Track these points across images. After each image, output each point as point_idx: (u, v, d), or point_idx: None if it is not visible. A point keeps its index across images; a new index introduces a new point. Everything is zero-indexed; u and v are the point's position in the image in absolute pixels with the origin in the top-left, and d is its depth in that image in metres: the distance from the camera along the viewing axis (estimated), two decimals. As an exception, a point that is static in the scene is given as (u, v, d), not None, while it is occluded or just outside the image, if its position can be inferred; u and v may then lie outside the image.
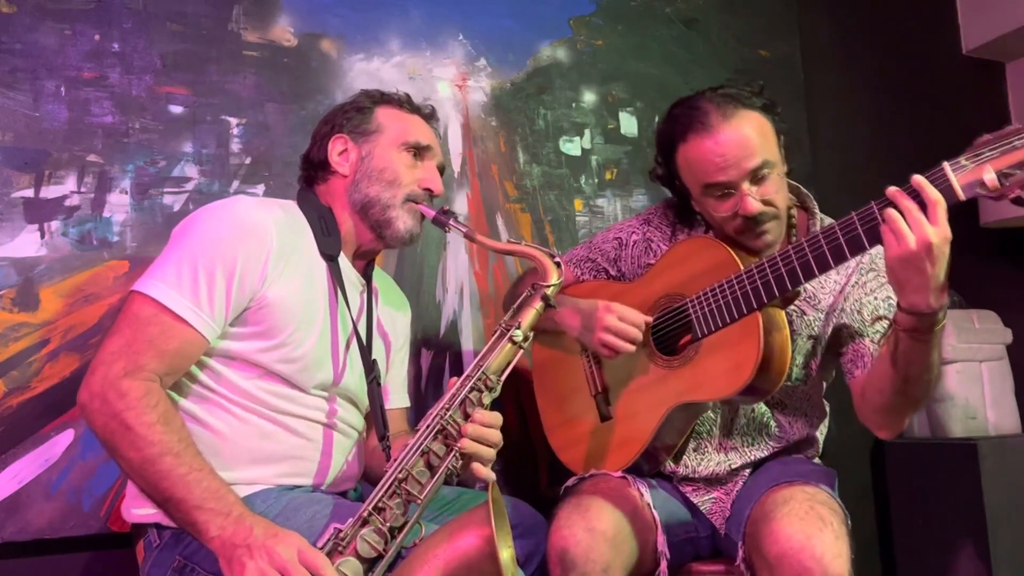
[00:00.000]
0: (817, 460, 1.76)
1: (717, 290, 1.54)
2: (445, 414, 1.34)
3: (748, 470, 1.67)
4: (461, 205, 2.20)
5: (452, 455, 1.33)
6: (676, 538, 1.60)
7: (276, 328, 1.39)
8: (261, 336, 1.39)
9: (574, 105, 2.37)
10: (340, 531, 1.26)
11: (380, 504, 1.28)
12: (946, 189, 1.24)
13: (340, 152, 1.56)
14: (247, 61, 1.97)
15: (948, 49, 3.14)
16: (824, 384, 1.76)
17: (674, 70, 2.48)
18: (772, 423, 1.68)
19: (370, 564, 1.25)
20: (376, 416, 1.51)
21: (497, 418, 1.38)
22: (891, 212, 1.27)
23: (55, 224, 1.76)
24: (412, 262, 2.12)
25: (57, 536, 1.68)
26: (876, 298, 1.58)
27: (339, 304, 1.49)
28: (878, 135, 2.90)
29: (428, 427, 1.34)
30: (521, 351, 1.42)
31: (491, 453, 1.37)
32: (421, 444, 1.33)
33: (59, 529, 1.68)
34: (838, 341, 1.62)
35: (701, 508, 1.64)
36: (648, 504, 1.54)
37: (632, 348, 1.60)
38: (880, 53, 2.93)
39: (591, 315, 1.63)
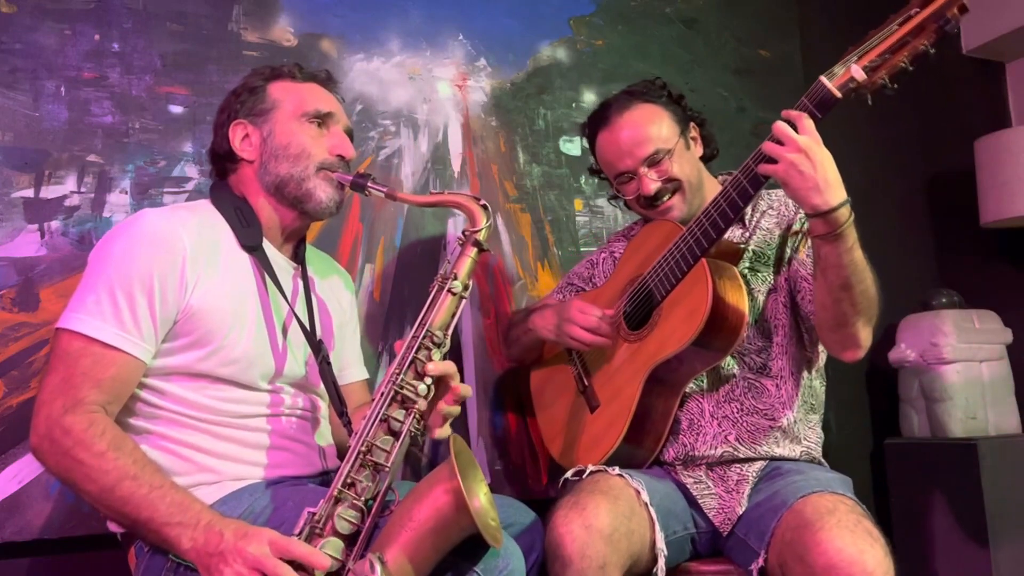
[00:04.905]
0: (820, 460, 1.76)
1: (667, 255, 1.66)
2: (397, 378, 1.33)
3: (747, 464, 1.66)
4: (461, 205, 2.19)
5: (412, 417, 1.32)
6: (675, 535, 1.60)
7: (210, 333, 1.37)
8: (196, 345, 1.37)
9: (574, 105, 2.37)
10: (314, 514, 1.25)
11: (349, 479, 1.28)
12: (826, 94, 1.44)
13: (242, 138, 1.51)
14: (247, 61, 1.97)
15: (948, 49, 3.14)
16: (812, 357, 1.76)
17: (674, 70, 2.48)
18: (758, 385, 1.70)
19: (350, 540, 1.25)
20: (331, 394, 1.49)
21: (450, 368, 1.37)
22: (766, 142, 1.46)
23: (55, 224, 1.76)
24: (412, 262, 2.12)
25: (57, 536, 1.68)
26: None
27: (270, 293, 1.46)
28: (878, 135, 2.89)
29: (383, 394, 1.33)
30: (464, 301, 1.41)
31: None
32: (379, 412, 1.32)
33: (59, 529, 1.68)
34: (796, 288, 1.70)
35: (702, 504, 1.64)
36: (645, 503, 1.54)
37: (597, 339, 1.68)
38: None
39: (560, 312, 1.76)
